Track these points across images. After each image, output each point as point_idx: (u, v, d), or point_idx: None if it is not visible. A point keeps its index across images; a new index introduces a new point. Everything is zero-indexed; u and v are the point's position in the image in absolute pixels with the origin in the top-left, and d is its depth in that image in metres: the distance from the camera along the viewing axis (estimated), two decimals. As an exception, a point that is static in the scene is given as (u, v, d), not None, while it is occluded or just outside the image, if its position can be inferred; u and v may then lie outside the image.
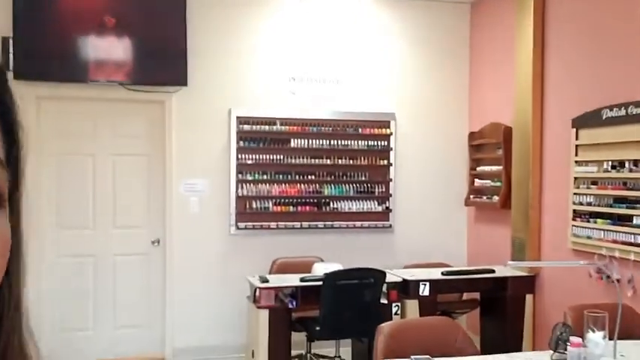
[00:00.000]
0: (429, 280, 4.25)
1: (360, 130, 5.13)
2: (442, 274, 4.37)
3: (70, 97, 4.72)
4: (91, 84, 4.64)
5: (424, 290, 4.24)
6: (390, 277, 4.13)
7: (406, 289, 4.23)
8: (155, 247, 4.90)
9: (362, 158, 5.14)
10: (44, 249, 4.67)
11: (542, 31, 4.36)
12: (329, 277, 3.89)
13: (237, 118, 4.91)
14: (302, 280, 4.06)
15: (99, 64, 4.61)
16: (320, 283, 3.94)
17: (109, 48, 4.64)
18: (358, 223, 5.16)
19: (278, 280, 4.15)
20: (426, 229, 5.34)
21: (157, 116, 4.88)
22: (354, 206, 5.15)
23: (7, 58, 4.44)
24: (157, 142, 4.88)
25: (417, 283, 4.23)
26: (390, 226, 5.24)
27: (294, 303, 3.94)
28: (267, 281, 4.06)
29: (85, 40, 4.57)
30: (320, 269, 4.17)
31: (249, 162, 4.91)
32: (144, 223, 4.90)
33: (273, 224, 4.99)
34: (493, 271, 4.47)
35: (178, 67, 4.74)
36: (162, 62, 4.71)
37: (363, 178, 5.16)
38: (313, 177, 5.04)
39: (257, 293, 4.04)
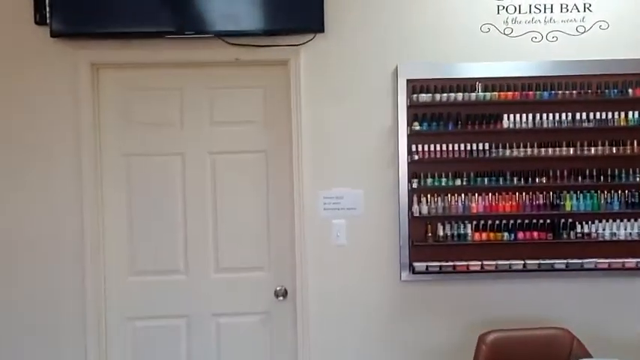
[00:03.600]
0: None
1: (629, 91, 2.87)
2: None
3: (142, 64, 2.96)
4: (172, 40, 2.88)
5: None
6: None
7: None
8: (280, 303, 3.01)
9: (634, 143, 2.87)
10: (109, 306, 2.98)
11: None
12: None
13: (409, 81, 2.88)
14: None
15: (183, 10, 2.83)
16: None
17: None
18: (631, 262, 2.89)
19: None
20: None
21: (278, 85, 2.99)
22: (623, 231, 2.89)
23: (42, 6, 2.80)
24: (279, 129, 3.00)
25: None
26: (692, 265, 2.89)
27: None
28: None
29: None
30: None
31: (431, 157, 2.86)
32: (262, 264, 3.03)
33: (474, 264, 2.89)
34: None
35: (310, 3, 2.83)
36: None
37: (638, 180, 2.88)
38: (544, 180, 2.89)
39: None
